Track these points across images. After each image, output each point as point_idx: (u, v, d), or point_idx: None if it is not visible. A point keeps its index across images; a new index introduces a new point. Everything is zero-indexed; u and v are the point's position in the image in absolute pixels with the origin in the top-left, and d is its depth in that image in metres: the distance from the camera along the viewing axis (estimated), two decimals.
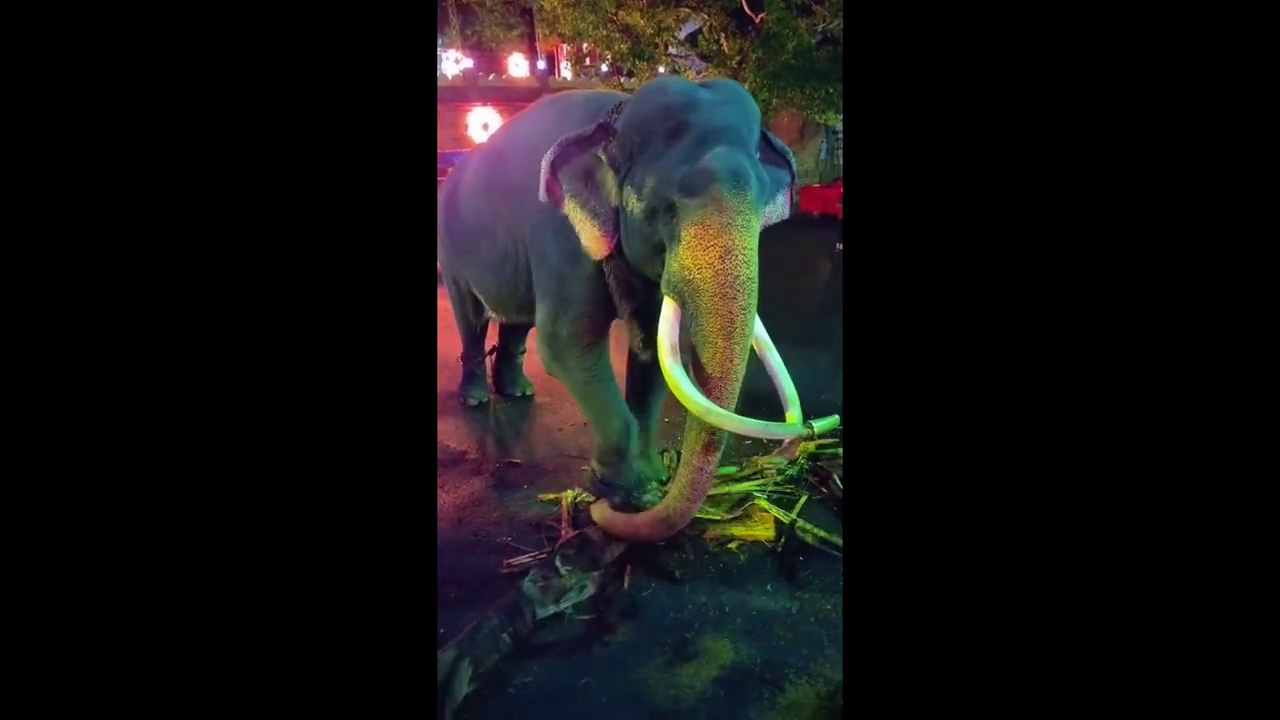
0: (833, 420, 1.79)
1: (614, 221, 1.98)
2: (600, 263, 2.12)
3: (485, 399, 3.65)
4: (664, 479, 2.52)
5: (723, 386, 1.82)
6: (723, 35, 8.31)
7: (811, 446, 2.76)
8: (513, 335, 3.62)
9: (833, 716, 1.66)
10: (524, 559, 2.23)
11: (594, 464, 2.57)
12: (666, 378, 1.86)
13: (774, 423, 1.88)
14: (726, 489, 2.56)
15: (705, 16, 8.31)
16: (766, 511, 2.42)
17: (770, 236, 1.89)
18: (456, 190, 3.01)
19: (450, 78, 15.26)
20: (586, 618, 2.02)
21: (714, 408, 1.79)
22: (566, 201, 1.99)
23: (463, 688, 1.69)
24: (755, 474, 2.68)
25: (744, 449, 2.88)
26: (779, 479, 2.65)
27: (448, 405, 3.56)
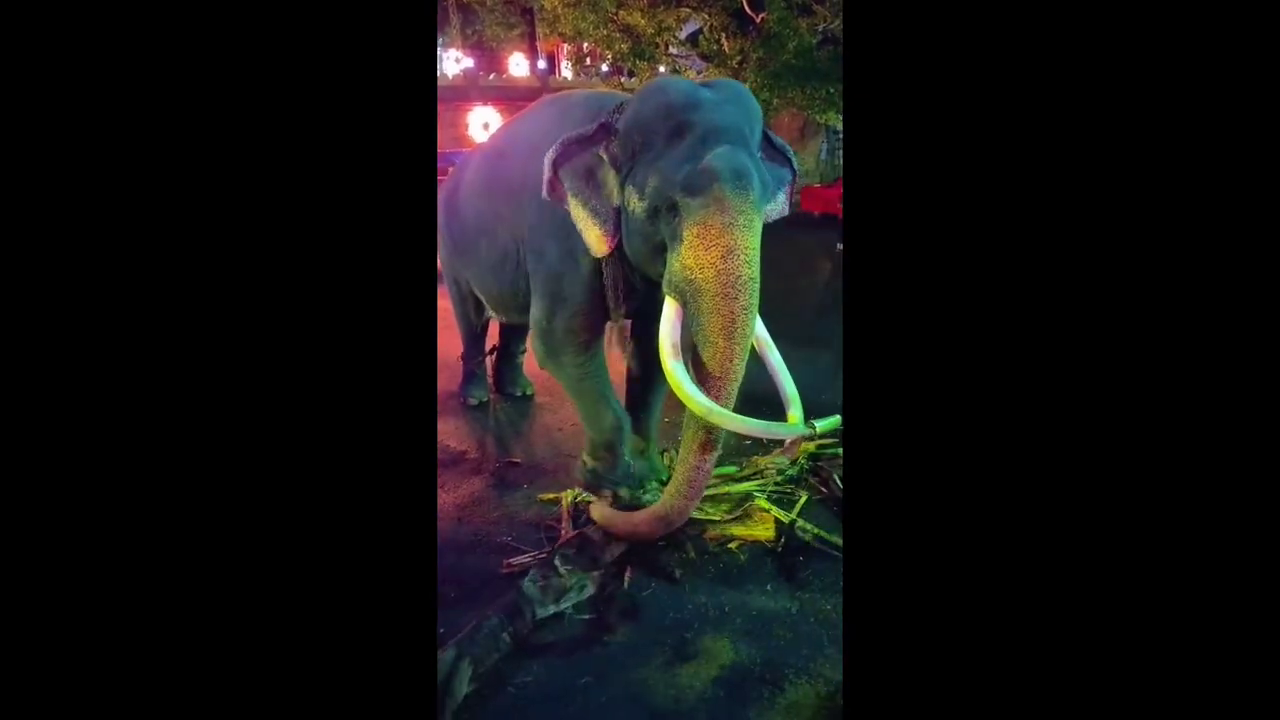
0: (834, 420, 1.80)
1: (615, 221, 1.98)
2: (597, 262, 2.12)
3: (485, 399, 3.65)
4: (664, 478, 2.52)
5: (723, 386, 1.82)
6: (723, 35, 8.31)
7: (811, 446, 2.76)
8: (513, 335, 3.62)
9: (833, 716, 1.66)
10: (524, 559, 2.23)
11: (585, 458, 2.58)
12: (668, 377, 1.86)
13: (775, 422, 1.88)
14: (726, 489, 2.56)
15: (706, 16, 8.31)
16: (766, 511, 2.42)
17: (771, 236, 1.89)
18: (457, 190, 3.01)
19: (451, 77, 15.26)
20: (586, 618, 2.02)
21: (715, 407, 1.79)
22: (569, 200, 1.99)
23: (463, 687, 1.69)
24: (755, 474, 2.68)
25: (744, 449, 2.88)
26: (779, 479, 2.65)
27: (448, 405, 3.56)
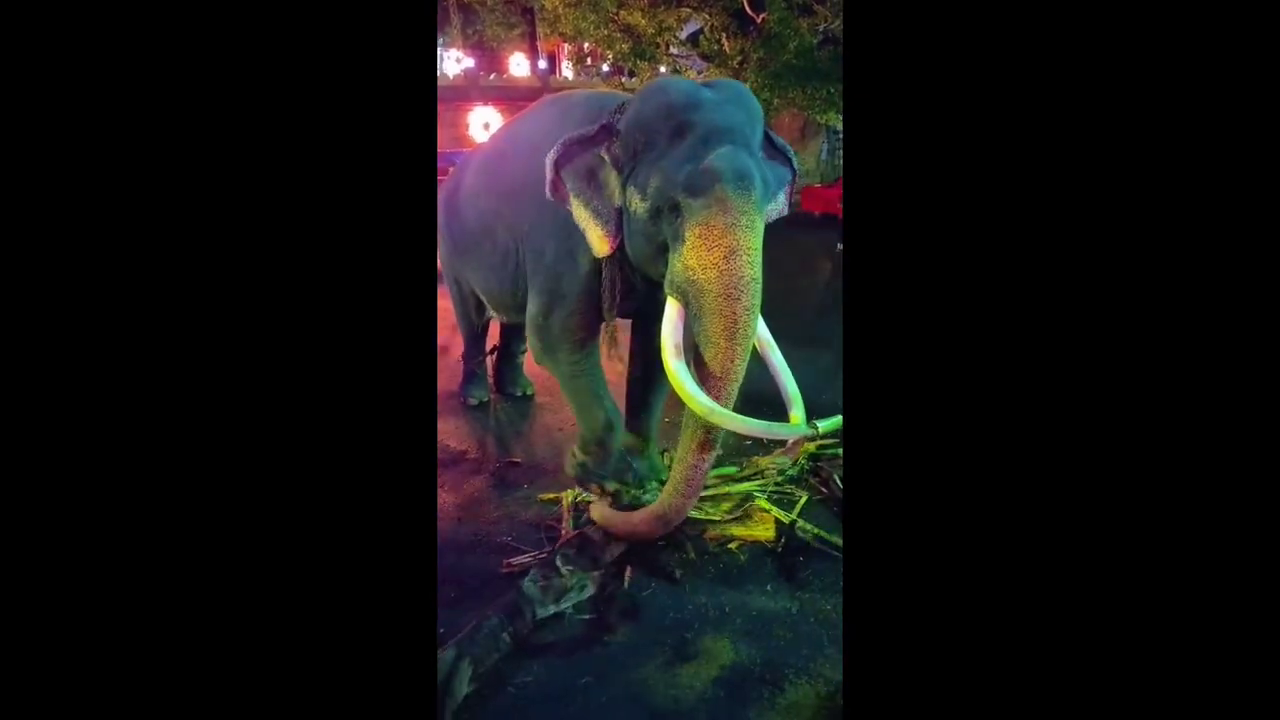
0: (836, 420, 1.80)
1: (617, 221, 1.98)
2: (596, 262, 2.12)
3: (486, 398, 3.65)
4: (664, 478, 2.53)
5: (724, 386, 1.83)
6: (724, 35, 8.31)
7: (812, 447, 2.76)
8: (513, 335, 3.62)
9: (833, 717, 1.66)
10: (524, 559, 2.23)
11: (576, 451, 2.59)
12: (670, 378, 1.86)
13: (778, 423, 1.88)
14: (727, 489, 2.56)
15: (707, 16, 8.31)
16: (767, 511, 2.43)
17: (771, 236, 1.89)
18: (458, 190, 3.01)
19: (451, 77, 15.26)
20: (586, 618, 2.02)
21: (717, 408, 1.79)
22: (569, 203, 1.99)
23: (463, 687, 1.69)
24: (755, 474, 2.68)
25: (744, 449, 2.88)
26: (779, 479, 2.66)
27: (448, 405, 3.56)
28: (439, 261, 3.34)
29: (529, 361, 3.65)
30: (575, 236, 2.07)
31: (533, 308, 2.38)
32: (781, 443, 1.91)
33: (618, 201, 1.97)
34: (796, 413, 1.92)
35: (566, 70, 16.03)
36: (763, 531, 2.36)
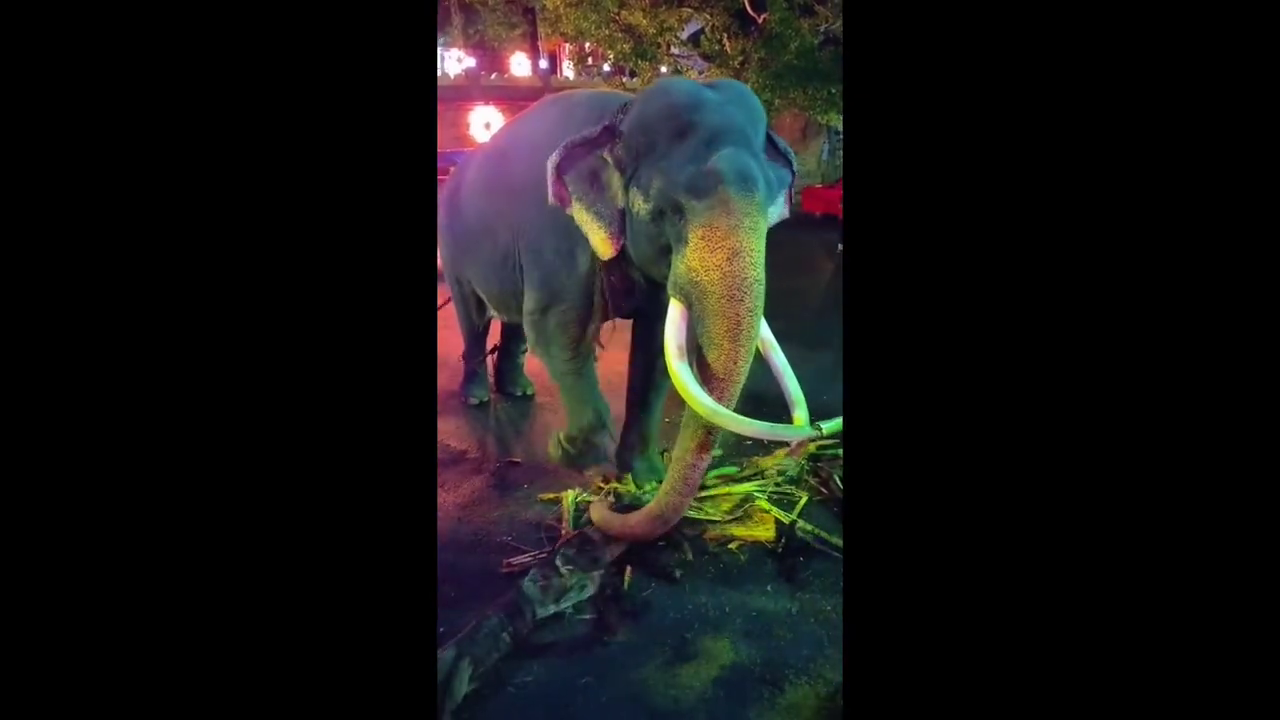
0: (840, 422, 1.79)
1: (620, 223, 1.98)
2: (595, 263, 2.12)
3: (486, 398, 3.65)
4: (663, 479, 2.53)
5: (727, 387, 1.82)
6: (725, 35, 8.30)
7: (812, 447, 2.76)
8: (514, 334, 3.62)
9: (833, 717, 1.66)
10: (524, 558, 2.24)
11: (562, 438, 2.61)
12: (673, 379, 1.85)
13: (781, 424, 1.88)
14: (727, 489, 2.56)
15: (708, 16, 8.30)
16: (767, 512, 2.42)
17: (772, 237, 1.89)
18: (459, 190, 3.01)
19: (453, 77, 15.26)
20: (586, 617, 2.02)
21: (721, 409, 1.79)
22: (572, 205, 1.99)
23: (462, 687, 1.69)
24: (755, 474, 2.68)
25: (744, 449, 2.88)
26: (779, 479, 2.65)
27: (449, 404, 3.56)
28: (440, 261, 3.34)
29: (529, 361, 3.66)
30: (575, 236, 2.07)
31: (530, 303, 2.38)
32: (784, 444, 1.91)
33: (620, 203, 1.97)
34: (800, 414, 1.92)
35: (568, 70, 16.03)
36: (763, 532, 2.36)
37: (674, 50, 8.74)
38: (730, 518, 2.42)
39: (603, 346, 2.47)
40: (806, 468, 2.73)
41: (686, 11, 8.36)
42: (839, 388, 1.13)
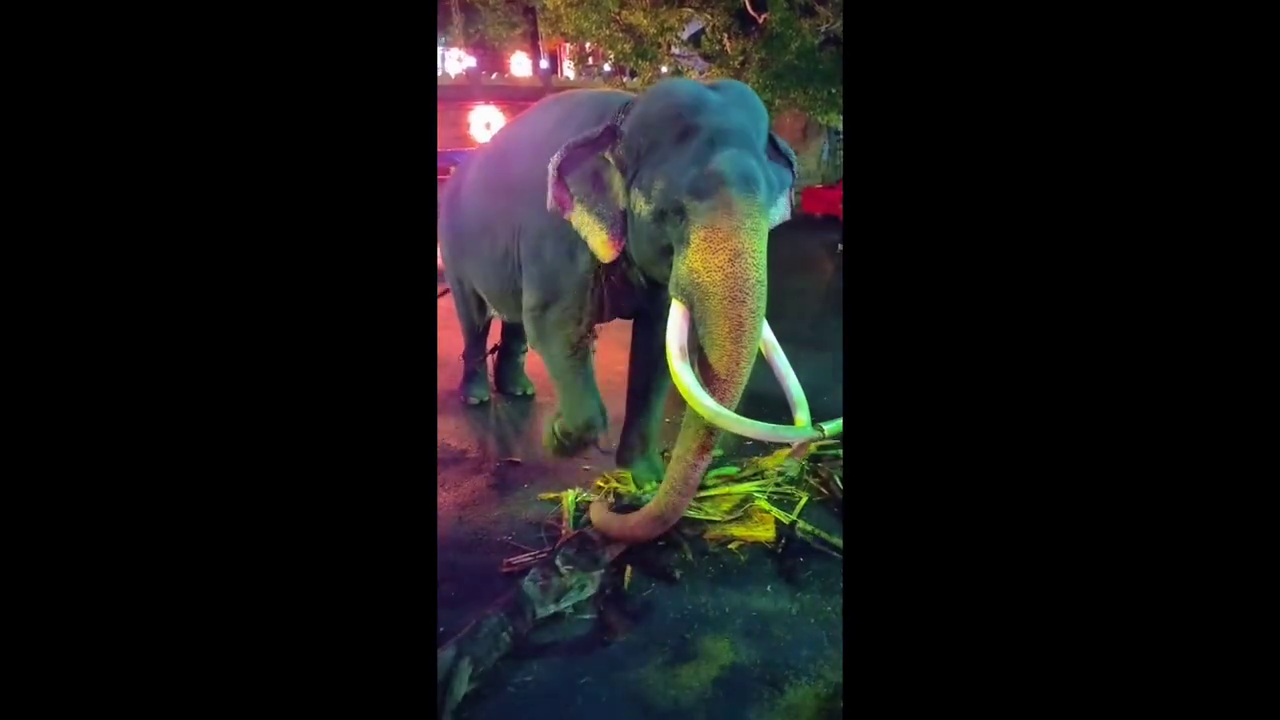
0: (841, 423, 1.79)
1: (621, 224, 1.98)
2: (594, 263, 2.12)
3: (486, 398, 3.65)
4: (664, 479, 2.53)
5: (729, 388, 1.82)
6: (726, 35, 8.30)
7: (812, 447, 2.75)
8: (514, 334, 3.62)
9: (832, 718, 1.66)
10: (524, 558, 2.24)
11: (556, 430, 2.61)
12: (675, 380, 1.85)
13: (783, 426, 1.88)
14: (727, 489, 2.56)
15: (709, 16, 8.30)
16: (767, 512, 2.42)
17: (772, 238, 1.89)
18: (459, 190, 3.02)
19: (453, 76, 15.27)
20: (586, 617, 2.02)
21: (723, 411, 1.79)
22: (573, 207, 1.99)
23: (462, 686, 1.69)
24: (756, 474, 2.68)
25: (745, 449, 2.88)
26: (779, 480, 2.65)
27: (449, 404, 3.56)
28: (440, 260, 3.34)
29: (530, 361, 3.66)
30: (575, 234, 2.07)
31: (530, 300, 2.38)
32: (785, 445, 1.91)
33: (622, 204, 1.97)
34: (802, 415, 1.91)
35: (568, 70, 16.03)
36: (763, 532, 2.36)
37: (675, 50, 8.73)
38: (730, 518, 2.42)
39: (594, 334, 2.48)
40: (806, 468, 2.73)
41: (687, 11, 8.35)
42: (839, 388, 1.13)
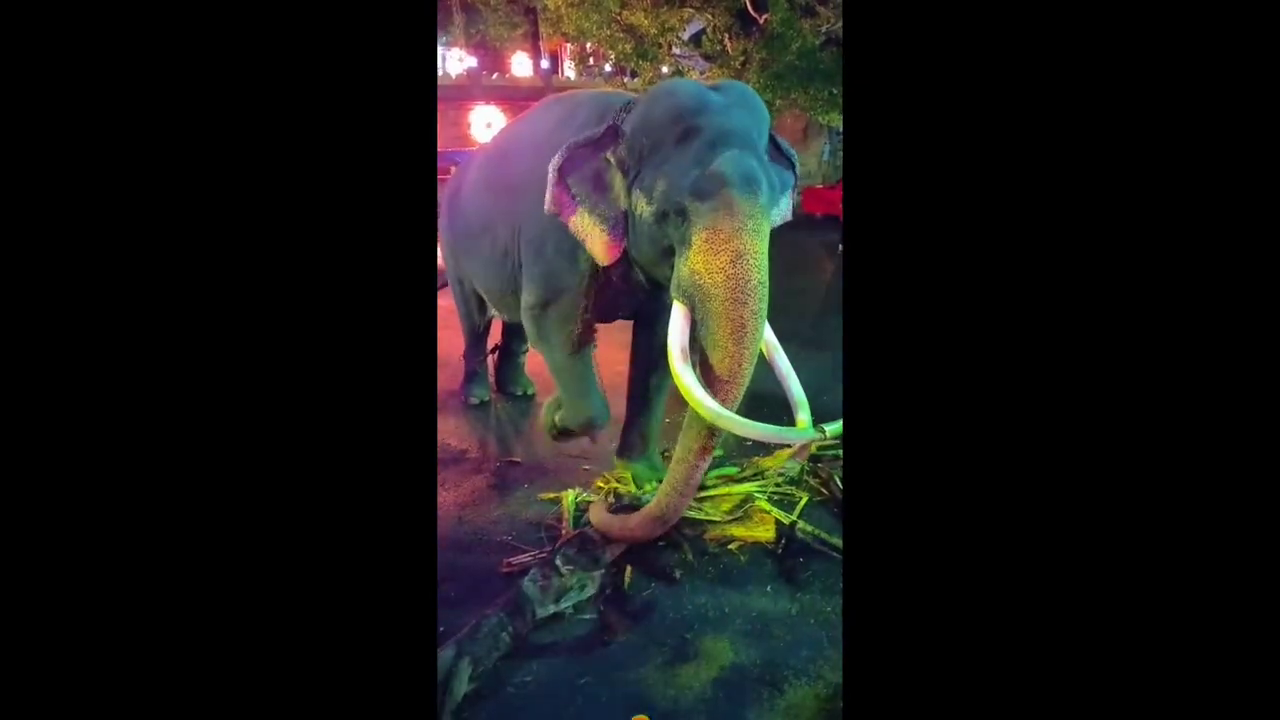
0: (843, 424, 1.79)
1: (623, 225, 1.98)
2: (596, 264, 2.11)
3: (487, 398, 3.65)
4: (664, 479, 2.53)
5: (731, 390, 1.82)
6: (727, 36, 8.30)
7: (813, 448, 2.75)
8: (515, 334, 3.62)
9: (832, 718, 1.66)
10: (524, 558, 2.24)
11: (556, 420, 2.61)
12: (677, 382, 1.85)
13: (785, 427, 1.88)
14: (727, 490, 2.56)
15: (709, 17, 8.29)
16: (767, 513, 2.42)
17: (773, 238, 1.89)
18: (460, 190, 3.02)
19: (454, 76, 15.27)
20: (586, 617, 2.02)
21: (724, 412, 1.78)
22: (572, 209, 1.99)
23: (462, 686, 1.69)
24: (756, 475, 2.68)
25: (745, 450, 2.88)
26: (779, 480, 2.65)
27: (449, 404, 3.56)
28: (441, 260, 3.34)
29: (530, 361, 3.66)
30: (574, 237, 2.07)
31: (530, 298, 2.37)
32: (786, 446, 1.91)
33: (623, 205, 1.96)
34: (803, 417, 1.91)
35: (569, 70, 16.03)
36: (763, 532, 2.35)
37: (675, 51, 8.73)
38: (730, 518, 2.42)
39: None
40: (807, 468, 2.73)
41: (688, 12, 8.35)
42: (839, 388, 1.13)
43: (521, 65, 16.98)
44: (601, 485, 2.60)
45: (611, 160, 1.96)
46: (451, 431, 3.29)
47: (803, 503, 2.50)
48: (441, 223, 3.24)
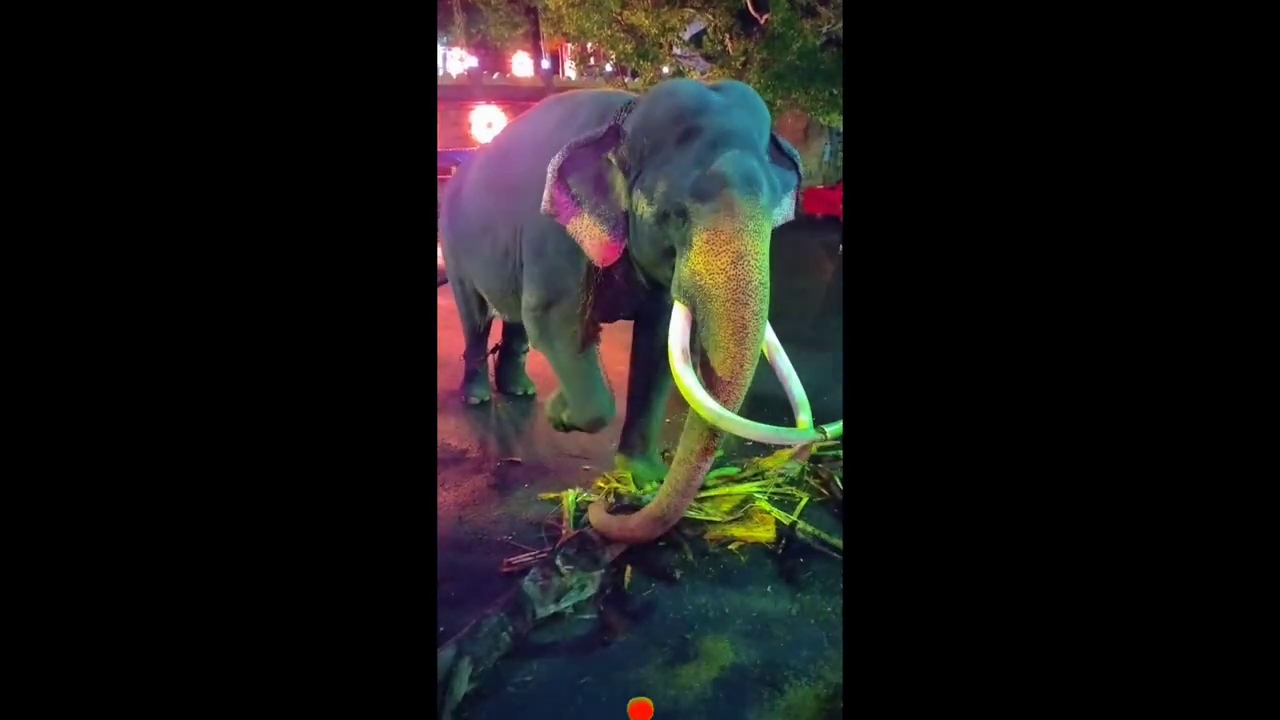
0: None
1: (624, 225, 1.98)
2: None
3: (487, 397, 3.65)
4: (664, 480, 2.52)
5: (732, 391, 1.82)
6: (727, 36, 8.30)
7: (814, 449, 2.75)
8: (515, 334, 3.62)
9: (832, 719, 1.66)
10: (524, 558, 2.24)
11: (562, 417, 2.61)
12: (678, 383, 1.85)
13: (786, 428, 1.87)
14: (727, 490, 2.56)
15: (710, 17, 8.29)
16: (767, 513, 2.42)
17: (773, 238, 1.89)
18: (461, 190, 3.02)
19: (455, 76, 15.28)
20: (586, 617, 2.02)
21: (725, 413, 1.78)
22: (570, 211, 1.98)
23: (462, 686, 1.69)
24: (756, 475, 2.68)
25: (745, 450, 2.88)
26: (780, 480, 2.65)
27: (449, 403, 3.56)
28: (441, 260, 3.34)
29: (531, 361, 3.66)
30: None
31: (532, 299, 2.37)
32: (787, 446, 1.91)
33: (624, 205, 1.96)
34: (804, 417, 1.91)
35: (570, 70, 16.04)
36: (763, 533, 2.35)
37: (676, 51, 8.73)
38: (730, 518, 2.42)
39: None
40: (807, 469, 2.73)
41: (689, 12, 8.35)
42: (839, 388, 1.13)
43: (522, 65, 16.99)
44: (602, 485, 2.60)
45: (613, 160, 1.96)
46: (451, 431, 3.29)
47: (803, 503, 2.50)
48: (442, 222, 3.23)
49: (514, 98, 13.99)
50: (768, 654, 1.86)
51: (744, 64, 8.16)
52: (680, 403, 1.91)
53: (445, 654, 1.70)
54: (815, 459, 2.78)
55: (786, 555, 2.28)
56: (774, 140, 2.09)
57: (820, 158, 12.97)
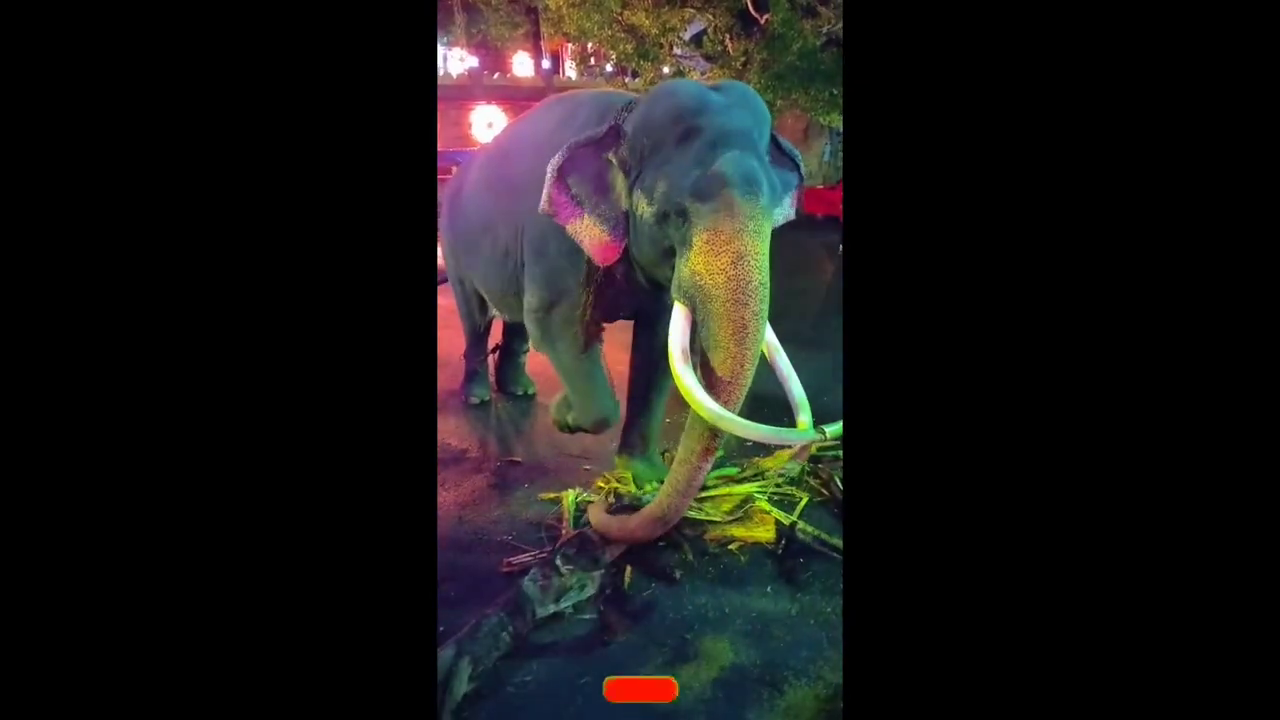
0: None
1: (624, 226, 1.98)
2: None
3: (487, 397, 3.65)
4: (664, 479, 2.52)
5: (732, 391, 1.82)
6: (728, 36, 8.30)
7: (813, 449, 2.75)
8: (516, 334, 3.62)
9: (832, 719, 1.66)
10: (524, 558, 2.24)
11: (566, 419, 2.60)
12: (678, 383, 1.85)
13: (786, 428, 1.87)
14: (727, 490, 2.56)
15: (710, 17, 8.29)
16: (767, 513, 2.42)
17: (774, 239, 1.89)
18: (461, 189, 3.02)
19: (455, 76, 15.28)
20: (586, 617, 2.02)
21: (725, 413, 1.78)
22: (569, 211, 1.98)
23: (462, 686, 1.69)
24: (756, 475, 2.68)
25: (745, 450, 2.87)
26: (780, 480, 2.65)
27: (449, 403, 3.56)
28: (442, 260, 3.34)
29: (531, 360, 3.66)
30: None
31: (533, 300, 2.37)
32: (787, 447, 1.91)
33: (624, 205, 1.96)
34: (804, 418, 1.91)
35: (570, 70, 16.04)
36: (763, 533, 2.35)
37: (676, 51, 8.73)
38: (730, 518, 2.42)
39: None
40: (807, 469, 2.73)
41: (689, 12, 8.35)
42: (839, 388, 1.13)
43: (523, 65, 17.00)
44: (602, 485, 2.60)
45: (613, 160, 1.95)
46: (451, 431, 3.29)
47: (803, 503, 2.50)
48: (442, 222, 3.23)
49: (514, 98, 14.00)
50: (767, 654, 1.86)
51: (744, 64, 8.16)
52: (680, 403, 1.91)
53: (445, 654, 1.70)
54: (815, 459, 2.77)
55: (786, 555, 2.28)
56: (774, 140, 2.09)
57: (820, 158, 12.96)
